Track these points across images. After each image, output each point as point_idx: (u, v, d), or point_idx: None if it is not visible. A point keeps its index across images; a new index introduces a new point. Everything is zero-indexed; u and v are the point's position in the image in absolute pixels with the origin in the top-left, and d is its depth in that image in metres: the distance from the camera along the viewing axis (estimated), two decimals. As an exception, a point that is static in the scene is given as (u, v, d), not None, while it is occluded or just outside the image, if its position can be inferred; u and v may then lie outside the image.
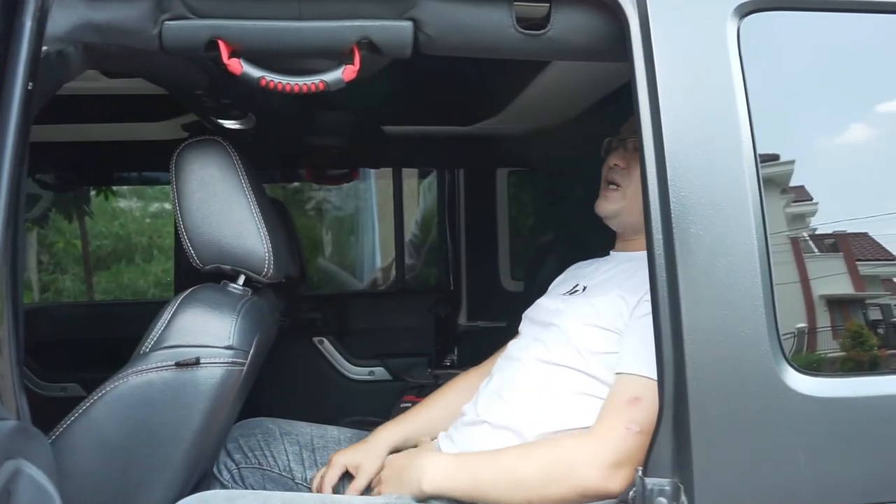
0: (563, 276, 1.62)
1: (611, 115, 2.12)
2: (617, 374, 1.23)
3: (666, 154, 0.97)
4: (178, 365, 1.07)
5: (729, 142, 0.99)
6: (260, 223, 1.22)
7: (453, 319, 2.74)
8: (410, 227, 3.24)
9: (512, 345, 1.49)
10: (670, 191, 0.96)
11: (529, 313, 1.52)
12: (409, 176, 3.20)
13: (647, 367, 1.19)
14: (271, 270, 1.22)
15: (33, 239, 6.97)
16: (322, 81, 1.04)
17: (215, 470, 1.41)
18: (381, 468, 1.37)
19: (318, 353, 2.60)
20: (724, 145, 0.99)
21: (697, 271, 0.95)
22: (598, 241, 2.13)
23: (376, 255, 4.46)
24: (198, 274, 1.26)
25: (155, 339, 1.10)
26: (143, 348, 1.10)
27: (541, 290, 1.61)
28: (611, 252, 1.53)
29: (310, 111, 2.03)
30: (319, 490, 1.41)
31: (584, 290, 1.43)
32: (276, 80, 1.03)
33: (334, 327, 2.63)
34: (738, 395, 0.95)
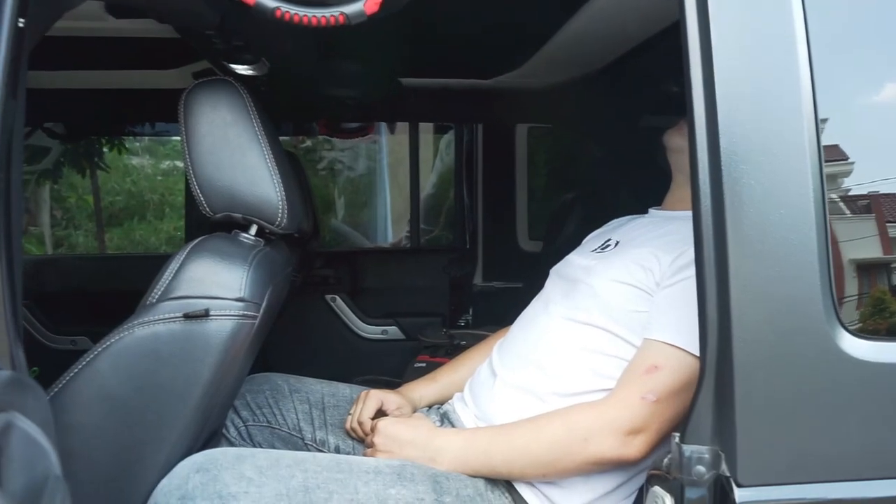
0: (597, 231, 1.55)
1: (638, 68, 2.03)
2: (643, 339, 1.17)
3: (717, 97, 0.89)
4: (187, 316, 1.01)
5: (786, 87, 0.91)
6: (273, 170, 1.15)
7: (468, 279, 2.68)
8: (426, 186, 3.17)
9: (536, 300, 1.42)
10: (720, 136, 0.88)
11: (558, 268, 1.45)
12: (425, 132, 3.11)
13: (671, 333, 1.13)
14: (285, 220, 1.15)
15: (46, 194, 6.98)
16: (342, 14, 0.96)
17: (223, 429, 1.37)
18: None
19: (331, 310, 2.55)
20: (782, 90, 0.91)
21: (748, 224, 0.87)
22: (621, 200, 2.05)
23: (389, 214, 4.42)
24: (209, 228, 1.20)
25: (162, 289, 1.04)
26: (150, 299, 1.04)
27: (560, 251, 1.54)
28: (650, 210, 1.45)
29: (325, 59, 1.95)
30: (353, 429, 1.38)
31: (615, 245, 1.36)
32: (293, 12, 0.95)
33: (347, 285, 2.58)
34: (788, 359, 0.87)
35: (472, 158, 2.74)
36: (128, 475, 1.02)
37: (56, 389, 0.99)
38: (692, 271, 1.15)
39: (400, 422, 1.27)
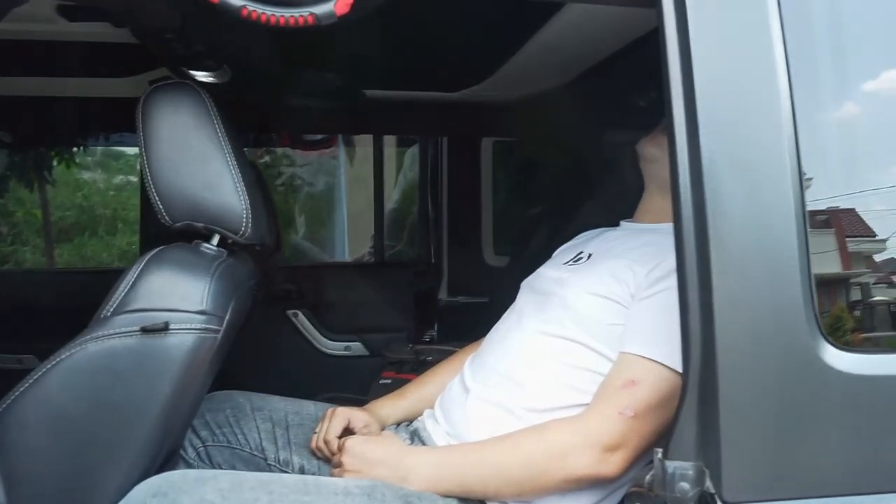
0: (567, 244, 1.53)
1: (606, 82, 2.03)
2: (619, 353, 1.15)
3: (697, 105, 0.87)
4: (144, 330, 0.95)
5: (766, 95, 0.90)
6: (238, 178, 1.10)
7: (433, 294, 2.64)
8: (389, 200, 3.14)
9: (508, 314, 1.39)
10: (701, 147, 0.86)
11: (530, 282, 1.42)
12: (388, 145, 3.08)
13: (648, 346, 1.11)
14: (249, 229, 1.10)
15: None
16: (312, 14, 0.93)
17: (181, 450, 1.30)
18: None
19: (292, 326, 2.48)
20: (761, 98, 0.90)
21: (729, 234, 0.86)
22: (588, 214, 2.04)
23: (346, 230, 4.37)
24: (166, 241, 1.14)
25: (118, 301, 0.98)
26: (104, 312, 0.98)
27: (527, 266, 1.51)
28: (621, 223, 1.44)
29: (288, 68, 1.90)
30: (319, 448, 1.32)
31: (588, 257, 1.34)
32: (260, 11, 0.91)
33: (309, 300, 2.51)
34: (772, 371, 0.86)
35: (436, 172, 2.71)
36: (79, 501, 0.95)
37: None
38: (669, 283, 1.14)
39: (369, 440, 1.22)
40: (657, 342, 1.10)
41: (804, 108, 0.91)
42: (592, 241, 1.42)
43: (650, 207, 1.38)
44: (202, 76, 1.62)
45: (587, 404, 1.14)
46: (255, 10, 0.91)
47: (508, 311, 1.41)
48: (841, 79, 1.00)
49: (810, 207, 0.90)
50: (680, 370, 1.05)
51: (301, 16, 0.92)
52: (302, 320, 2.49)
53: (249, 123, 2.43)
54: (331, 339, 2.49)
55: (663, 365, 1.08)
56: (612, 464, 1.08)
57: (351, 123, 2.56)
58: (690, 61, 0.89)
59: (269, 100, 2.09)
